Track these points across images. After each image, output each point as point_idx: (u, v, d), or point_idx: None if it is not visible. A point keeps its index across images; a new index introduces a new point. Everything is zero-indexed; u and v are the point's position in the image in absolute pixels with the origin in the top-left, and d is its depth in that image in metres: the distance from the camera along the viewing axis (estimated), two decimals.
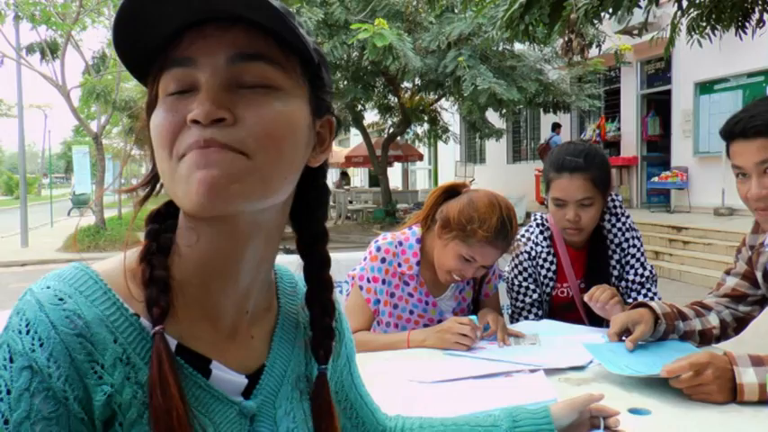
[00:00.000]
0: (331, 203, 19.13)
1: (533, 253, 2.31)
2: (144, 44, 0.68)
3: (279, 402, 0.81)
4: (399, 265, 2.06)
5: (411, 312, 2.10)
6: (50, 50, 14.44)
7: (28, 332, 0.62)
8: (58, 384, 0.61)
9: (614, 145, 15.06)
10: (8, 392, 0.61)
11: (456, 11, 12.10)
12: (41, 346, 0.62)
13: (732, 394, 1.42)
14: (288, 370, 0.84)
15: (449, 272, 1.99)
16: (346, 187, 21.42)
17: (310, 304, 0.86)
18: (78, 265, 0.70)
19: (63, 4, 13.62)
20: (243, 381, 0.77)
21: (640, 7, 5.04)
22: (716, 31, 5.35)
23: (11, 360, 0.62)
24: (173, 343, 0.70)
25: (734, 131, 1.64)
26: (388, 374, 1.65)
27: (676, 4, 5.11)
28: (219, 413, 0.73)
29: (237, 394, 0.77)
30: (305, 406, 0.85)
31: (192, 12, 0.65)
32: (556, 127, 15.81)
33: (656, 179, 13.19)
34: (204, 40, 0.67)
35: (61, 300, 0.64)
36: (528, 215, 12.57)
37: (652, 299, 2.24)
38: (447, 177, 20.87)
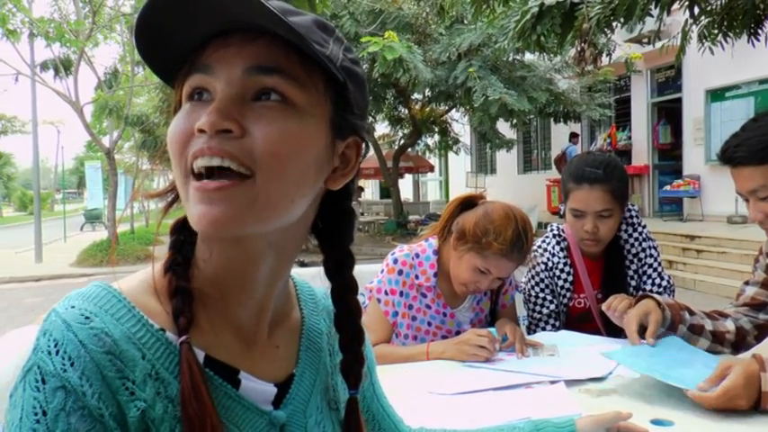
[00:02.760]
0: None
1: (550, 264, 2.30)
2: (171, 50, 0.68)
3: (309, 412, 0.80)
4: (416, 276, 2.06)
5: (429, 324, 2.09)
6: (64, 67, 14.57)
7: (57, 352, 0.62)
8: (92, 402, 0.61)
9: (625, 154, 14.98)
10: (44, 414, 0.60)
11: (466, 22, 12.13)
12: (72, 365, 0.61)
13: (757, 401, 1.40)
14: (317, 380, 0.84)
15: (464, 284, 1.99)
16: (358, 199, 21.43)
17: (339, 328, 0.84)
18: (100, 283, 0.69)
19: (76, 22, 13.76)
20: (272, 390, 0.77)
21: (652, 16, 5.04)
22: (728, 39, 5.34)
23: (43, 381, 0.61)
24: (200, 354, 0.69)
25: (723, 159, 1.66)
26: (409, 387, 1.64)
27: (687, 12, 5.10)
28: (250, 423, 0.73)
29: (267, 404, 0.76)
30: (333, 416, 0.85)
31: (215, 24, 0.66)
32: (573, 137, 15.71)
33: (668, 188, 13.13)
34: (226, 50, 0.67)
35: (87, 318, 0.64)
36: (540, 225, 12.53)
37: None
38: (458, 188, 20.87)
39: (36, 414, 0.60)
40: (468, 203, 2.07)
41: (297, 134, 0.67)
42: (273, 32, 0.66)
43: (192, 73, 0.68)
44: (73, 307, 0.65)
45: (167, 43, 0.67)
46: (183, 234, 0.75)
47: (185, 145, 0.66)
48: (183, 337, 0.67)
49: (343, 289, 0.83)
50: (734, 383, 1.40)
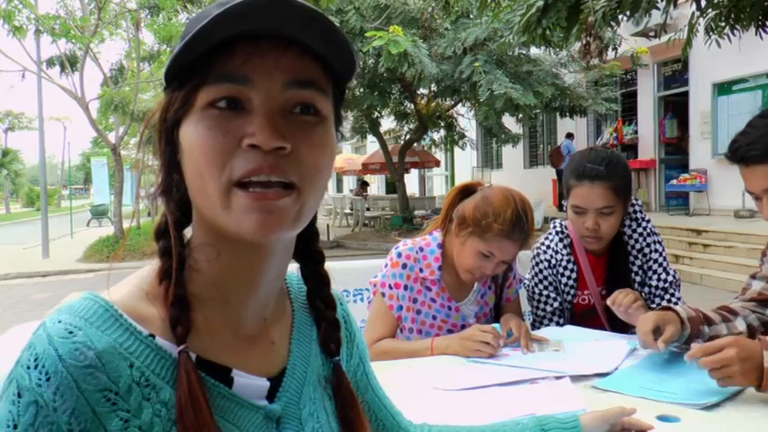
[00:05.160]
0: (348, 210, 19.22)
1: (553, 261, 2.28)
2: (195, 50, 0.66)
3: (303, 403, 0.81)
4: (421, 270, 2.06)
5: (434, 318, 2.09)
6: (70, 63, 14.60)
7: (36, 367, 0.63)
8: (63, 418, 0.62)
9: (631, 148, 14.96)
10: (15, 427, 0.62)
11: (471, 16, 12.09)
12: (48, 380, 0.62)
13: (758, 379, 1.40)
14: (308, 370, 0.84)
15: (469, 270, 1.98)
16: (364, 195, 21.41)
17: (312, 301, 0.88)
18: (89, 295, 0.69)
19: (82, 18, 13.79)
20: (265, 384, 0.78)
21: (658, 8, 5.01)
22: (735, 31, 5.30)
23: (19, 395, 0.62)
24: (192, 357, 0.70)
25: (735, 158, 1.63)
26: (412, 382, 1.64)
27: (694, 5, 5.08)
28: (246, 419, 0.74)
29: (261, 398, 0.77)
30: (326, 405, 0.85)
31: (242, 28, 0.65)
32: (569, 136, 15.82)
33: (674, 182, 13.09)
34: (261, 60, 0.67)
35: (71, 333, 0.64)
36: (546, 220, 12.50)
37: (676, 304, 2.20)
38: None
39: (8, 426, 0.62)
40: (467, 191, 2.06)
41: (330, 145, 0.72)
42: (302, 42, 0.68)
43: (220, 81, 0.67)
44: (60, 321, 0.66)
45: (201, 41, 0.65)
46: (176, 239, 0.74)
47: (227, 156, 0.66)
48: (181, 347, 0.68)
49: (314, 260, 0.87)
50: (727, 355, 1.40)
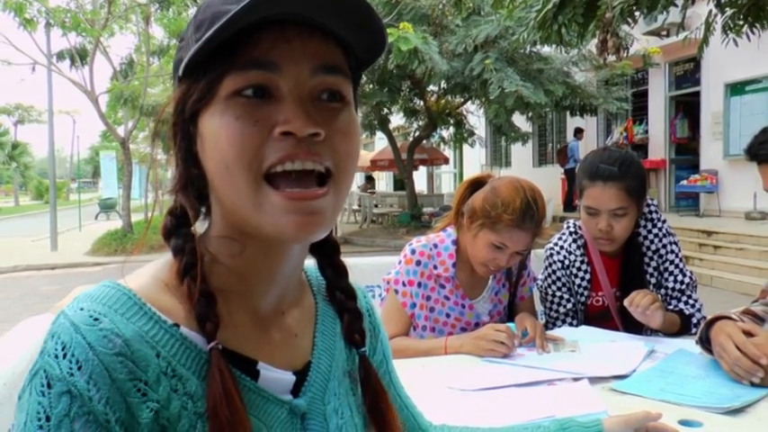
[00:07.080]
0: (356, 207, 19.21)
1: (567, 262, 2.24)
2: (218, 37, 0.63)
3: (327, 399, 0.79)
4: (435, 267, 2.03)
5: (447, 316, 2.06)
6: (79, 57, 14.64)
7: (65, 356, 0.60)
8: (98, 407, 0.59)
9: (642, 147, 14.88)
10: (47, 419, 0.58)
11: (482, 13, 12.05)
12: (79, 369, 0.59)
13: None
14: (333, 365, 0.82)
15: (483, 263, 1.96)
16: (371, 191, 21.38)
17: (331, 293, 0.86)
18: (109, 282, 0.67)
19: (92, 11, 13.81)
20: (291, 378, 0.76)
21: (676, 5, 4.95)
22: (754, 30, 5.24)
23: (49, 386, 0.59)
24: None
25: (749, 155, 1.66)
26: (427, 381, 1.61)
27: (712, 3, 5.02)
28: (271, 414, 0.72)
29: (286, 393, 0.75)
30: (350, 401, 0.83)
31: (281, 13, 0.63)
32: (578, 132, 15.68)
33: (684, 182, 13.01)
34: (288, 45, 0.65)
35: (96, 320, 0.62)
36: (554, 219, 12.44)
37: (693, 306, 2.17)
38: None
39: (39, 419, 0.59)
40: (477, 185, 2.04)
41: (357, 131, 0.71)
42: (327, 28, 0.66)
43: (246, 68, 0.64)
44: (82, 309, 0.63)
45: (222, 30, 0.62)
46: (187, 236, 0.71)
47: (258, 146, 0.64)
48: (212, 344, 0.66)
49: (330, 251, 0.86)
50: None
